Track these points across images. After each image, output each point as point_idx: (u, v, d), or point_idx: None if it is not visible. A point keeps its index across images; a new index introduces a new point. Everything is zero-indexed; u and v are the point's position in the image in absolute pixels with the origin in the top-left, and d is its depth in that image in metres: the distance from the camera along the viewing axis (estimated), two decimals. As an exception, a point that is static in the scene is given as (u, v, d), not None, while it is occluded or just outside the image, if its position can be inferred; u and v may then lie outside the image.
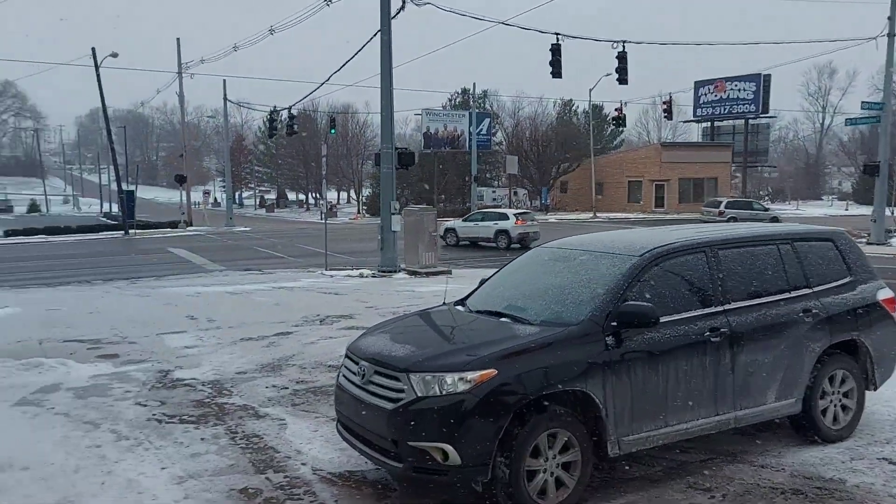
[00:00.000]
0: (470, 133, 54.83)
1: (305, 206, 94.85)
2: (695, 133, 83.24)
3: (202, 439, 6.13)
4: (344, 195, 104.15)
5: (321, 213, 73.10)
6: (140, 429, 6.39)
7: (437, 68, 74.78)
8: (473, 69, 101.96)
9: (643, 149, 61.99)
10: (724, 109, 61.09)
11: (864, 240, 27.13)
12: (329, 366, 8.65)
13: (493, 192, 63.22)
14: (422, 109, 59.60)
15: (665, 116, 48.44)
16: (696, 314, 5.18)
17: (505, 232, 27.48)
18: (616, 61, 23.14)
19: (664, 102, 42.62)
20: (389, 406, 4.65)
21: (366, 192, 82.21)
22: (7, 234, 37.23)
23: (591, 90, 50.88)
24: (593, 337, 4.78)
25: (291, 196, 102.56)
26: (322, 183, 20.46)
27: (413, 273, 19.03)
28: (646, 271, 5.12)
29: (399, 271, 19.10)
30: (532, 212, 32.47)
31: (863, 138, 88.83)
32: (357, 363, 5.14)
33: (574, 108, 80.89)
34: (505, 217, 28.30)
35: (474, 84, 51.89)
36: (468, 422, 4.42)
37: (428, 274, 19.03)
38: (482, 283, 6.36)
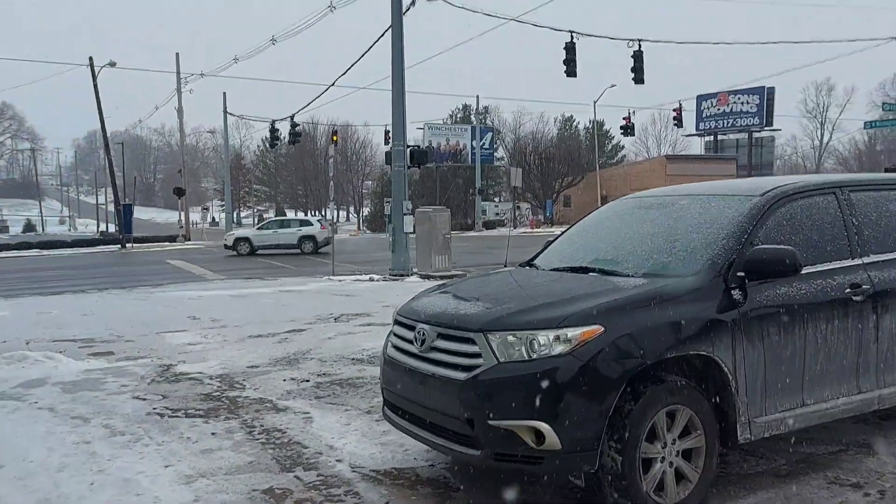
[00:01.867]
0: (473, 147, 54.11)
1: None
2: (695, 149, 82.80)
3: (213, 434, 5.08)
4: (343, 214, 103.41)
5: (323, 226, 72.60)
6: (138, 423, 5.34)
7: (438, 82, 74.35)
8: (474, 85, 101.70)
9: (648, 162, 61.33)
10: (728, 123, 60.56)
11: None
12: (353, 359, 7.61)
13: (496, 206, 62.41)
14: (424, 123, 58.95)
15: (675, 124, 47.74)
16: (832, 267, 4.17)
17: (311, 238, 29.58)
18: (631, 61, 22.31)
19: (674, 110, 41.93)
20: (461, 376, 3.62)
21: (365, 210, 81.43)
22: None
23: (595, 102, 50.23)
24: (715, 289, 3.76)
25: (290, 214, 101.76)
26: (329, 186, 19.48)
27: (426, 277, 17.99)
28: (770, 214, 4.11)
29: (411, 275, 18.08)
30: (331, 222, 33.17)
31: (860, 154, 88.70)
32: (413, 327, 4.10)
33: (575, 123, 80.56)
34: (309, 223, 30.71)
35: (478, 97, 51.25)
36: (569, 393, 3.39)
37: (442, 278, 17.97)
38: (547, 244, 5.33)
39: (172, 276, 21.57)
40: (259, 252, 30.33)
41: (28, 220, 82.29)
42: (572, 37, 21.41)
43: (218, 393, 6.24)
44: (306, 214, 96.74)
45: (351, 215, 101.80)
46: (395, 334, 4.36)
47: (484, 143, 55.89)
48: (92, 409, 5.72)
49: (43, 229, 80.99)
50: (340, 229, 75.40)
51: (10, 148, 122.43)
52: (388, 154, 18.88)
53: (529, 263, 5.03)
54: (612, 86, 46.54)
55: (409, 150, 18.18)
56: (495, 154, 63.29)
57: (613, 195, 55.16)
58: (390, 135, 18.98)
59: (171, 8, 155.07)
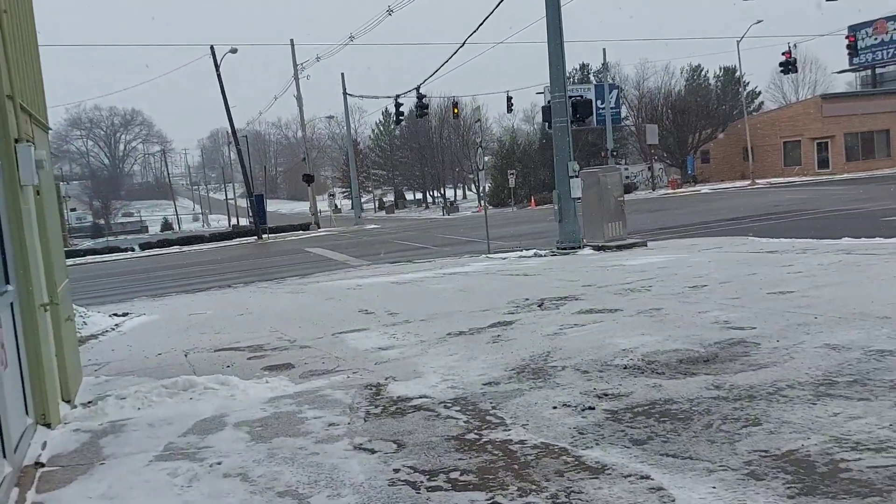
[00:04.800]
0: (600, 106, 50.60)
1: (424, 204, 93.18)
2: (840, 88, 74.94)
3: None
4: (460, 192, 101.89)
5: (443, 208, 71.00)
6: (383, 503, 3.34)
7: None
8: (591, 45, 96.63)
9: (800, 104, 55.37)
10: (889, 53, 53.68)
11: None
12: (624, 367, 5.39)
13: (626, 168, 58.56)
14: (543, 87, 55.85)
15: (782, 71, 42.12)
16: None
17: None
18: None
19: (784, 53, 36.42)
20: None
21: (486, 185, 79.44)
22: (142, 247, 36.66)
23: (738, 41, 45.31)
24: None
25: (409, 196, 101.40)
26: (476, 160, 17.40)
27: (600, 248, 15.57)
28: None
29: (583, 247, 15.70)
30: None
31: None
32: None
33: (703, 72, 74.85)
34: None
35: (604, 50, 47.73)
36: None
37: (619, 247, 15.51)
38: None
39: (316, 265, 20.26)
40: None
41: (165, 219, 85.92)
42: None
43: (474, 435, 4.18)
44: (425, 195, 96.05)
45: (467, 193, 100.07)
46: None
47: (610, 102, 52.24)
48: (304, 474, 3.79)
49: (179, 227, 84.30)
50: (461, 207, 73.90)
51: (143, 152, 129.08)
52: (545, 109, 16.52)
53: None
54: (759, 21, 41.81)
55: (570, 101, 15.70)
56: (620, 113, 59.36)
57: (762, 145, 50.21)
58: (546, 90, 16.59)
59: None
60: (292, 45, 44.37)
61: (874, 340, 5.37)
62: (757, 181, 44.75)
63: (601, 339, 6.39)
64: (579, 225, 15.97)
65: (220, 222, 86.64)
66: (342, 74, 45.85)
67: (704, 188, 44.34)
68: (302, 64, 44.17)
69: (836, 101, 50.18)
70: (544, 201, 52.84)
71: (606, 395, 4.73)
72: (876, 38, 53.71)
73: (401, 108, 32.78)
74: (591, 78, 60.04)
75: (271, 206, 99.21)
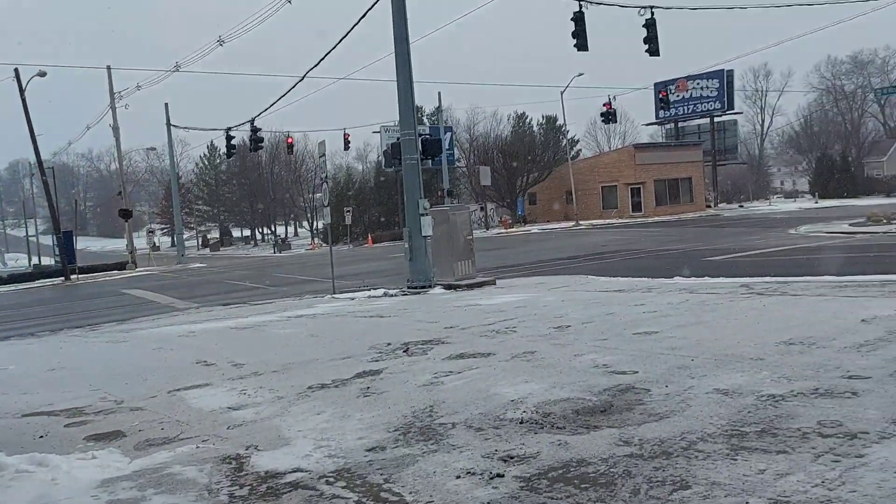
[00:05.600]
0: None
1: (253, 241, 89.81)
2: (645, 138, 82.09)
3: None
4: (291, 229, 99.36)
5: (274, 245, 68.59)
6: None
7: (390, 89, 71.35)
8: (424, 88, 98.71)
9: (615, 152, 59.67)
10: (689, 108, 59.61)
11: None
12: (517, 420, 4.93)
13: (476, 207, 59.94)
14: (380, 126, 56.07)
15: (603, 120, 45.69)
16: None
17: None
18: (644, 31, 20.11)
19: (605, 105, 39.51)
20: None
21: (320, 223, 77.86)
22: (-78, 290, 31.73)
23: (562, 92, 48.18)
24: None
25: (236, 233, 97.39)
26: (322, 196, 16.69)
27: (451, 287, 15.34)
28: None
29: (434, 286, 15.38)
30: None
31: (797, 137, 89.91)
32: None
33: (528, 120, 78.92)
34: None
35: (439, 94, 48.53)
36: None
37: (470, 286, 15.38)
38: None
39: (137, 309, 18.37)
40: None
41: (-52, 258, 75.89)
42: (581, 6, 19.08)
43: (374, 521, 3.49)
44: (253, 232, 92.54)
45: (298, 230, 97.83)
46: None
47: (445, 143, 53.43)
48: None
49: (-32, 266, 74.68)
50: (293, 244, 71.92)
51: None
52: (392, 147, 16.11)
53: None
54: (580, 74, 44.71)
55: (421, 139, 15.47)
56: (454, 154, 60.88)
57: (583, 189, 53.41)
58: (383, 130, 16.21)
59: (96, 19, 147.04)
60: (109, 71, 41.25)
61: (760, 384, 5.31)
62: (580, 222, 47.37)
63: (484, 389, 5.91)
64: (430, 263, 15.66)
65: (18, 261, 77.81)
66: (166, 105, 43.29)
67: (534, 228, 46.29)
68: (120, 92, 41.13)
69: (646, 150, 54.66)
70: (382, 239, 52.61)
71: (511, 457, 4.22)
72: (678, 95, 59.41)
73: (232, 142, 31.16)
74: (425, 120, 61.12)
75: (81, 243, 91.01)
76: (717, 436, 4.27)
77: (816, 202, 59.61)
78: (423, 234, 15.16)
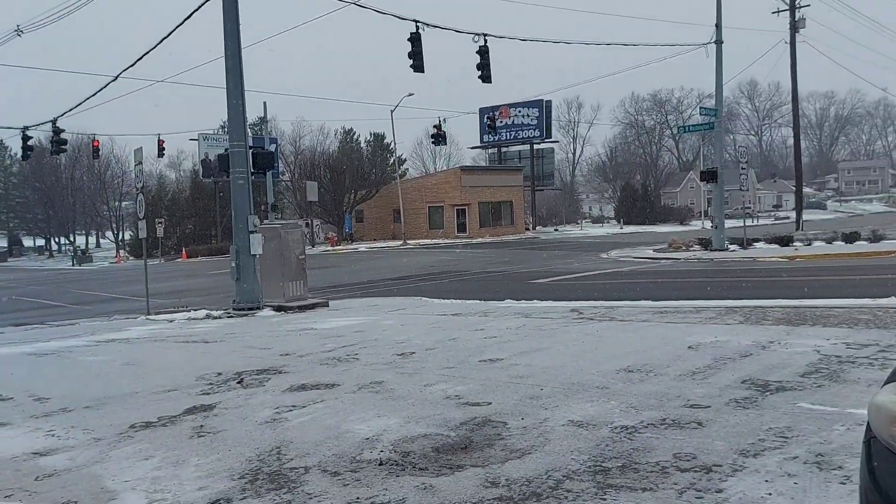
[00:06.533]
0: (259, 159, 49.66)
1: (48, 252, 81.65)
2: (468, 161, 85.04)
3: None
4: (93, 240, 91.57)
5: (72, 257, 62.66)
6: None
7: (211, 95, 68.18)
8: (255, 96, 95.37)
9: (442, 173, 60.93)
10: (511, 135, 62.42)
11: (697, 248, 27.39)
12: (376, 462, 4.63)
13: (313, 224, 58.32)
14: (198, 134, 53.28)
15: (433, 142, 47.13)
16: None
17: None
18: (477, 57, 20.68)
19: (434, 126, 40.85)
20: None
21: (127, 234, 72.28)
22: None
23: (392, 111, 48.45)
24: None
25: (28, 242, 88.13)
26: (137, 207, 15.36)
27: (281, 308, 14.68)
28: None
29: (263, 307, 14.64)
30: None
31: (604, 166, 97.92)
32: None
33: (356, 136, 78.83)
34: None
35: (265, 104, 46.97)
36: None
37: (301, 308, 14.82)
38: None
39: None
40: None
41: None
42: (417, 28, 19.23)
43: None
44: (49, 241, 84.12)
45: (100, 241, 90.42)
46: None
47: (270, 156, 51.74)
48: None
49: None
50: (96, 256, 66.19)
51: None
52: (219, 159, 15.17)
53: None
54: (410, 94, 45.29)
55: (251, 151, 14.70)
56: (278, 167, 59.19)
57: (410, 208, 53.98)
58: (201, 137, 15.24)
59: None
60: None
61: (610, 415, 5.41)
62: (408, 241, 47.80)
63: (335, 426, 5.54)
64: (259, 284, 14.88)
65: None
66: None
67: (362, 246, 46.02)
68: None
69: (472, 173, 56.45)
70: (197, 253, 49.81)
71: (376, 506, 3.91)
72: (501, 122, 62.03)
73: (29, 143, 28.07)
74: (248, 130, 59.06)
75: None
76: (581, 472, 4.24)
77: (622, 228, 64.68)
78: (252, 253, 14.38)
